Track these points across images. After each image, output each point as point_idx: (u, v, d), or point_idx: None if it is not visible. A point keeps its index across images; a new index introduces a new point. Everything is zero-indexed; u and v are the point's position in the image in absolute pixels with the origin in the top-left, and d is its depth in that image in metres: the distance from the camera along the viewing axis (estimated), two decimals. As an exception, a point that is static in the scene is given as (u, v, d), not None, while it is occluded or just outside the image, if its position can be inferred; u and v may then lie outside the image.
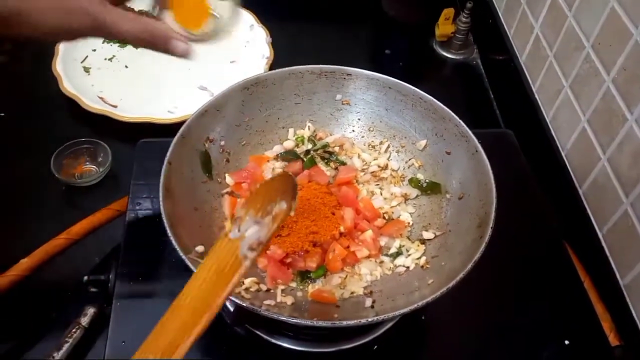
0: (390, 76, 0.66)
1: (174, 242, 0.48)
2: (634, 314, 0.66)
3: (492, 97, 1.04)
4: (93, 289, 0.66)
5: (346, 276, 0.56)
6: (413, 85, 0.65)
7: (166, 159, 0.55)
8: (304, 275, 0.56)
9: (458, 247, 0.54)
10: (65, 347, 0.65)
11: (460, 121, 0.61)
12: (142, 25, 0.41)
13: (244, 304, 0.46)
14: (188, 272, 0.48)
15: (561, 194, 0.79)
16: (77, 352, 0.65)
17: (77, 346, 0.65)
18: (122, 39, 0.41)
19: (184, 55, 0.44)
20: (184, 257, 0.48)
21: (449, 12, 1.06)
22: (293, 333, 0.58)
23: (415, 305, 0.46)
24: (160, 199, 0.51)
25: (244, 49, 1.07)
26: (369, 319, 0.46)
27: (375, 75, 0.65)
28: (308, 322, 0.47)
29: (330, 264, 0.56)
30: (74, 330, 0.66)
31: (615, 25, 0.69)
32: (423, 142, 0.65)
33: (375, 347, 0.59)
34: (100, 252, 0.75)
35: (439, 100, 0.63)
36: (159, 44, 0.42)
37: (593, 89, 0.73)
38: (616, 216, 0.69)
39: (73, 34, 0.40)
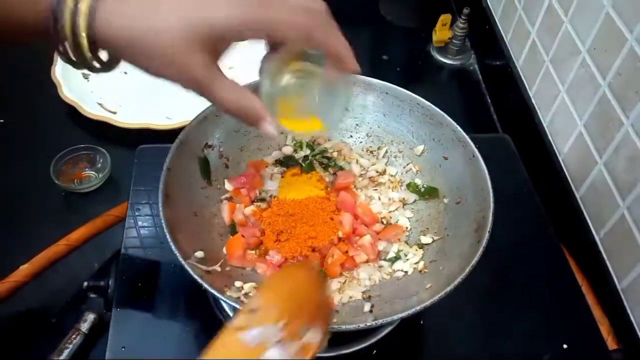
0: (388, 81, 0.66)
1: (173, 247, 0.49)
2: (632, 318, 0.66)
3: (489, 102, 1.04)
4: (93, 295, 0.66)
5: (345, 281, 0.57)
6: (410, 90, 0.65)
7: (165, 164, 0.55)
8: (303, 281, 0.56)
9: (456, 252, 0.54)
10: (65, 353, 0.65)
11: (457, 126, 0.61)
12: (237, 97, 0.42)
13: (244, 309, 0.46)
14: (188, 278, 0.48)
15: (558, 198, 0.80)
16: (77, 358, 0.65)
17: (76, 352, 0.65)
18: (216, 105, 0.43)
19: (269, 136, 0.45)
20: (183, 262, 0.48)
21: (446, 17, 1.07)
22: (292, 338, 0.58)
23: (414, 310, 0.46)
24: (160, 204, 0.52)
25: (242, 54, 1.07)
26: (368, 324, 0.46)
27: (373, 81, 0.66)
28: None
29: (329, 269, 0.57)
30: (73, 336, 0.66)
31: (610, 30, 0.69)
32: (421, 148, 0.65)
33: (375, 351, 0.60)
34: (100, 258, 0.75)
35: (436, 105, 0.64)
36: (249, 120, 0.43)
37: (589, 94, 0.74)
38: (613, 220, 0.69)
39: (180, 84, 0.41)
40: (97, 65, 0.40)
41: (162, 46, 0.37)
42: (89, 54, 0.38)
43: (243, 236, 0.58)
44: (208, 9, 0.38)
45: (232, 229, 0.60)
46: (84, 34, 0.37)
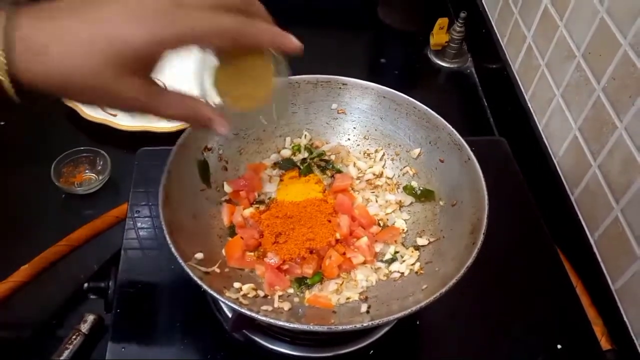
0: (386, 85, 0.67)
1: (173, 249, 0.49)
2: (625, 318, 0.67)
3: (485, 105, 1.05)
4: (93, 296, 0.66)
5: (342, 282, 0.57)
6: (408, 93, 0.66)
7: (166, 167, 0.56)
8: (301, 282, 0.57)
9: (451, 253, 0.55)
10: (65, 353, 0.66)
11: (453, 130, 0.62)
12: (184, 109, 0.43)
13: (242, 310, 0.47)
14: (187, 279, 0.49)
15: (553, 200, 0.81)
16: (77, 358, 0.66)
17: (76, 353, 0.66)
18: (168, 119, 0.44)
19: (222, 134, 0.45)
20: (183, 264, 0.49)
21: (443, 21, 1.08)
22: (290, 338, 0.59)
23: (410, 310, 0.47)
24: (160, 206, 0.52)
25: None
26: (365, 324, 0.47)
27: (370, 84, 0.67)
28: (305, 327, 0.48)
29: (327, 271, 0.58)
30: (73, 337, 0.67)
31: (604, 35, 0.70)
32: (417, 151, 0.66)
33: (372, 352, 0.60)
34: (100, 259, 0.76)
35: (433, 108, 0.65)
36: (200, 125, 0.44)
37: (584, 98, 0.75)
38: (607, 222, 0.70)
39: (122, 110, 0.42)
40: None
41: (90, 83, 0.38)
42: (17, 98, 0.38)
43: (242, 238, 0.59)
44: (118, 37, 0.37)
45: (231, 230, 0.60)
46: (9, 84, 0.37)
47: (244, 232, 0.59)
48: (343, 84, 0.67)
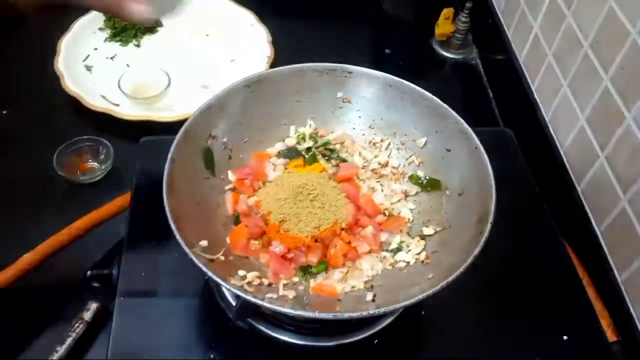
0: (391, 75, 0.66)
1: (177, 236, 0.49)
2: (632, 310, 0.66)
3: (491, 96, 1.04)
4: (96, 284, 0.66)
5: (347, 271, 0.57)
6: (413, 84, 0.65)
7: (170, 155, 0.55)
8: (306, 270, 0.57)
9: (458, 243, 0.55)
10: (68, 341, 0.65)
11: (460, 119, 0.61)
12: None
13: (247, 297, 0.47)
14: (191, 267, 0.49)
15: (560, 191, 0.80)
16: (80, 346, 0.66)
17: (79, 340, 0.66)
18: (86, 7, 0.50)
19: (140, 18, 0.47)
20: (187, 250, 0.48)
21: (448, 11, 1.07)
22: (294, 327, 0.59)
23: (415, 299, 0.46)
24: (164, 194, 0.52)
25: (244, 47, 1.07)
26: (370, 312, 0.47)
27: (376, 73, 0.66)
28: (310, 314, 0.47)
29: (332, 259, 0.57)
30: (76, 325, 0.67)
31: (613, 24, 0.70)
32: (423, 140, 0.65)
33: (376, 341, 0.60)
34: (103, 248, 0.76)
35: (439, 99, 0.64)
36: (115, 11, 0.47)
37: (591, 88, 0.74)
38: (614, 213, 0.70)
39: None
40: None
41: None
42: None
43: (246, 226, 0.58)
44: None
45: (236, 219, 0.60)
46: None
47: (249, 221, 0.59)
48: (349, 73, 0.66)
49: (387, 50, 1.12)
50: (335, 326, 0.59)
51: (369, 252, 0.58)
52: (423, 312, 0.63)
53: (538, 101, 0.89)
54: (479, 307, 0.65)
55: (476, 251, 0.50)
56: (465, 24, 1.07)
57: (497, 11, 1.05)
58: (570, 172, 0.79)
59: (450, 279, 0.48)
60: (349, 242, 0.58)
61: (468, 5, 1.05)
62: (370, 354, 0.60)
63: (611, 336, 0.67)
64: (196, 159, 0.60)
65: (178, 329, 0.61)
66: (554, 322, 0.64)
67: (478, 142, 0.59)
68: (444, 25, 1.08)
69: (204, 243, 0.53)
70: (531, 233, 0.73)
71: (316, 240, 0.57)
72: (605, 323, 0.67)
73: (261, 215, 0.59)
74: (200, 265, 0.48)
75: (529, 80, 0.92)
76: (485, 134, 0.66)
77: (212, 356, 0.58)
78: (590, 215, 0.75)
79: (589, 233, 0.74)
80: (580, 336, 0.64)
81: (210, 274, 0.47)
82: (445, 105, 0.63)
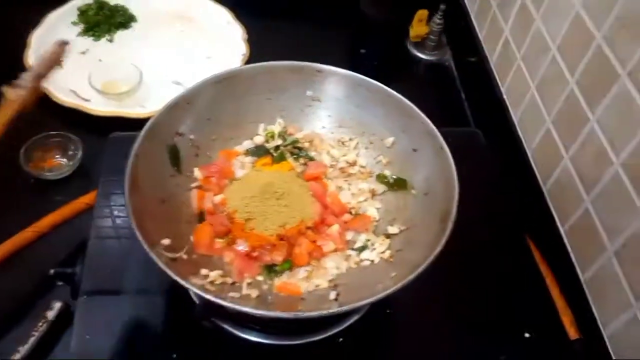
0: (365, 74, 0.66)
1: (138, 234, 0.49)
2: (593, 308, 0.68)
3: (463, 98, 1.05)
4: (60, 283, 0.65)
5: (312, 270, 0.57)
6: (387, 84, 0.66)
7: (133, 151, 0.55)
8: (270, 269, 0.57)
9: (421, 242, 0.55)
10: (31, 341, 0.64)
11: (427, 119, 0.62)
12: None
13: (207, 296, 0.46)
14: (153, 266, 0.48)
15: (527, 191, 0.82)
16: (44, 346, 0.65)
17: (42, 340, 0.65)
18: None
19: None
20: (147, 249, 0.48)
21: (422, 13, 1.08)
22: (260, 326, 0.59)
23: (375, 297, 0.47)
24: (126, 192, 0.52)
25: (219, 45, 1.07)
26: (331, 310, 0.47)
27: (345, 72, 0.66)
28: (271, 314, 0.47)
29: (297, 258, 0.57)
30: (40, 324, 0.65)
31: (579, 29, 0.71)
32: (391, 140, 0.66)
33: (341, 339, 0.60)
34: (68, 246, 0.74)
35: (412, 99, 0.64)
36: None
37: (558, 91, 0.76)
38: (578, 213, 0.71)
39: None
40: None
41: None
42: None
43: (211, 224, 0.58)
44: None
45: (201, 217, 0.60)
46: None
47: (214, 219, 0.58)
48: (318, 71, 0.67)
49: (362, 51, 1.13)
50: (300, 325, 0.60)
51: (335, 250, 0.58)
52: (388, 311, 0.64)
53: (507, 103, 0.91)
54: (444, 305, 0.66)
55: (438, 249, 0.50)
56: (439, 26, 1.08)
57: (470, 14, 1.06)
58: (537, 173, 0.81)
59: (411, 277, 0.48)
60: (314, 241, 0.58)
61: (442, 7, 1.06)
62: (335, 351, 0.61)
63: (573, 334, 0.68)
64: (162, 156, 0.60)
65: (142, 328, 0.60)
66: (516, 319, 0.65)
67: (443, 143, 0.59)
68: (418, 26, 1.09)
69: (166, 241, 0.53)
70: (497, 232, 0.74)
71: (281, 239, 0.58)
72: (567, 321, 0.69)
73: (227, 214, 0.59)
74: (161, 265, 0.47)
75: (499, 82, 0.94)
76: (455, 134, 0.67)
77: (174, 356, 0.58)
78: (555, 215, 0.76)
79: (554, 232, 0.75)
80: (543, 334, 0.65)
81: (170, 273, 0.47)
82: (412, 105, 0.63)
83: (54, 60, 0.73)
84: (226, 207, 0.59)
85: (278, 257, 0.56)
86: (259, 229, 0.57)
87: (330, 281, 0.56)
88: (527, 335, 0.64)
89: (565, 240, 0.73)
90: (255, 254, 0.57)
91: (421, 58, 1.11)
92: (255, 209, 0.58)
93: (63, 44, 0.75)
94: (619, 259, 0.63)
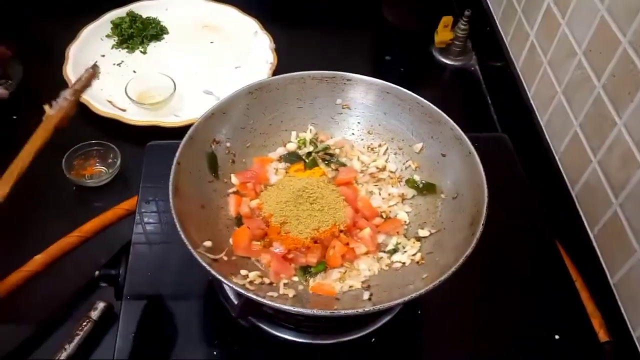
0: (391, 82, 0.68)
1: (183, 236, 0.51)
2: (623, 311, 0.68)
3: (489, 102, 1.06)
4: (104, 284, 0.68)
5: (345, 271, 0.59)
6: (413, 90, 0.67)
7: (175, 159, 0.58)
8: (305, 270, 0.59)
9: (451, 244, 0.57)
10: (76, 339, 0.68)
11: (455, 124, 0.63)
12: None
13: (249, 295, 0.49)
14: (195, 268, 0.51)
15: (554, 195, 0.82)
16: (88, 345, 0.68)
17: (87, 339, 0.68)
18: None
19: None
20: (192, 250, 0.50)
21: (447, 19, 1.10)
22: (294, 325, 0.61)
23: (408, 297, 0.49)
24: (170, 196, 0.54)
25: (248, 54, 1.10)
26: (366, 309, 0.49)
27: (373, 80, 0.68)
28: (308, 311, 0.49)
29: (331, 260, 0.59)
30: (84, 323, 0.69)
31: (605, 33, 0.72)
32: (419, 145, 0.67)
33: (373, 339, 0.62)
34: (111, 250, 0.78)
35: (438, 105, 0.66)
36: None
37: (584, 95, 0.76)
38: (606, 217, 0.72)
39: None
40: None
41: None
42: None
43: (248, 228, 0.61)
44: None
45: (238, 221, 0.62)
46: None
47: (251, 222, 0.61)
48: (347, 80, 0.69)
49: (387, 57, 1.15)
50: (334, 324, 0.61)
51: (367, 253, 0.60)
52: (419, 312, 0.65)
53: (534, 107, 0.91)
54: (474, 307, 0.67)
55: (468, 251, 0.52)
56: (464, 32, 1.09)
57: (495, 19, 1.07)
58: (565, 177, 0.81)
59: (443, 278, 0.50)
60: (347, 244, 0.60)
61: (467, 13, 1.08)
62: (368, 351, 0.63)
63: (603, 336, 0.69)
64: (200, 163, 0.63)
65: (182, 327, 0.63)
66: (546, 322, 0.66)
67: (472, 148, 0.61)
68: (443, 32, 1.11)
69: (208, 244, 0.55)
70: (526, 235, 0.75)
71: (315, 242, 0.60)
72: (597, 323, 0.69)
73: (263, 218, 0.61)
74: (205, 265, 0.50)
75: (526, 87, 0.95)
76: (482, 139, 0.68)
77: (215, 353, 0.60)
78: (583, 218, 0.77)
79: (583, 236, 0.76)
80: (572, 336, 0.66)
81: (214, 272, 0.49)
82: (440, 111, 0.65)
83: (87, 81, 0.83)
84: (262, 212, 0.62)
85: (312, 259, 0.59)
86: (293, 232, 0.59)
87: (363, 282, 0.58)
88: (557, 337, 0.65)
89: (594, 244, 0.74)
90: (290, 256, 0.59)
91: (447, 64, 1.13)
92: (290, 213, 0.60)
93: (95, 67, 0.86)
94: (649, 261, 0.63)
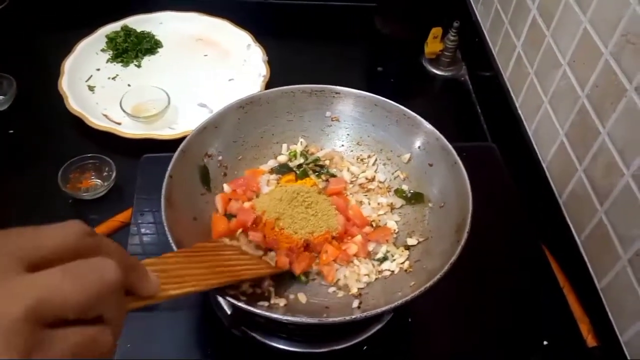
0: (382, 92, 0.70)
1: (175, 248, 0.52)
2: (610, 316, 0.69)
3: (479, 112, 1.08)
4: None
5: (337, 281, 0.60)
6: (403, 101, 0.69)
7: (167, 172, 0.59)
8: (295, 280, 0.60)
9: (438, 252, 0.58)
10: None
11: (441, 135, 0.65)
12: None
13: (240, 304, 0.50)
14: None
15: (542, 203, 0.84)
16: (84, 356, 0.69)
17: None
18: None
19: None
20: (184, 262, 0.52)
21: (437, 30, 1.11)
22: (286, 334, 0.62)
23: (394, 304, 0.50)
24: (162, 209, 0.56)
25: (241, 67, 1.12)
26: (353, 317, 0.50)
27: (362, 93, 0.70)
28: (297, 320, 0.51)
29: (323, 263, 0.60)
30: (80, 335, 0.70)
31: (587, 44, 0.74)
32: (407, 156, 0.69)
33: (365, 347, 0.63)
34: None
35: (428, 115, 0.68)
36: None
37: (569, 105, 0.78)
38: (592, 224, 0.73)
39: None
40: None
41: None
42: None
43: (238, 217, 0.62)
44: None
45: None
46: None
47: (240, 211, 0.62)
48: (336, 93, 0.70)
49: (379, 68, 1.17)
50: (325, 332, 0.63)
51: (356, 255, 0.61)
52: (410, 320, 0.66)
53: (522, 117, 0.93)
54: (463, 314, 0.68)
55: (453, 258, 0.53)
56: (453, 42, 1.11)
57: (484, 30, 1.09)
58: (552, 185, 0.83)
59: (428, 285, 0.51)
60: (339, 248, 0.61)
61: (456, 24, 1.10)
62: (359, 359, 0.64)
63: (591, 342, 0.70)
64: (193, 176, 0.64)
65: (176, 338, 0.64)
66: (535, 327, 0.67)
67: (457, 158, 0.62)
68: (433, 43, 1.13)
69: (199, 255, 0.56)
70: (514, 243, 0.76)
71: (306, 246, 0.61)
72: (585, 329, 0.70)
73: (256, 217, 0.62)
74: (196, 276, 0.51)
75: (514, 97, 0.96)
76: (471, 148, 0.70)
77: (208, 363, 0.62)
78: (571, 225, 0.78)
79: (570, 242, 0.77)
80: (561, 342, 0.67)
81: (205, 283, 0.50)
82: (427, 123, 0.66)
83: None
84: (255, 210, 0.63)
85: (298, 268, 0.59)
86: (288, 230, 0.60)
87: (357, 290, 0.59)
88: (545, 343, 0.66)
89: (582, 250, 0.75)
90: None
91: (437, 74, 1.14)
92: (284, 211, 0.61)
93: None
94: (633, 266, 0.65)
